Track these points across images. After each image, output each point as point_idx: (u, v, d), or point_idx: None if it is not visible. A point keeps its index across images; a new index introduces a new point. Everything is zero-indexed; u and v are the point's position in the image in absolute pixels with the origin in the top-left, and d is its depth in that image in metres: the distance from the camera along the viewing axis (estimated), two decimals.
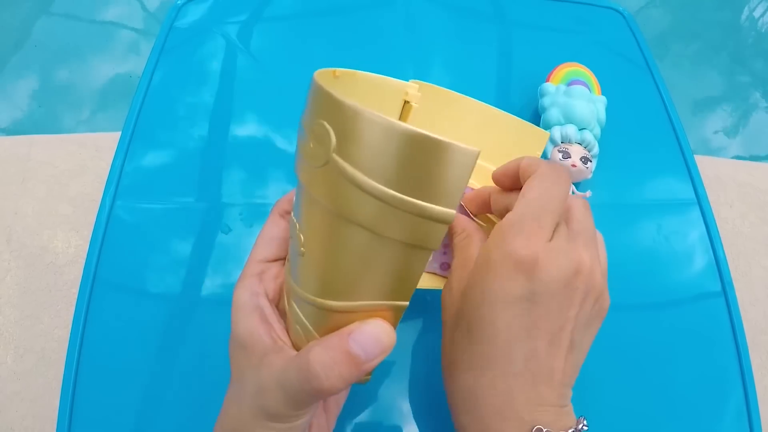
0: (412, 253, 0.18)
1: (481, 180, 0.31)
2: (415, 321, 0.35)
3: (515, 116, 0.31)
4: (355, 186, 0.17)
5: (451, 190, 0.17)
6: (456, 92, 0.31)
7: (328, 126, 0.17)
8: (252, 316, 0.23)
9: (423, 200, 0.17)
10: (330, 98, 0.17)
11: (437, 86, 0.30)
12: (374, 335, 0.19)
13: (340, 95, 0.17)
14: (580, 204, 0.25)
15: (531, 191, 0.23)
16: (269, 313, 0.23)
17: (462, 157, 0.16)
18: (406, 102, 0.27)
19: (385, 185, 0.17)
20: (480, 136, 0.31)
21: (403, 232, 0.17)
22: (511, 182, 0.26)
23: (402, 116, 0.27)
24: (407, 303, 0.19)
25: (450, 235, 0.28)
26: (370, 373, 0.22)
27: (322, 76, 0.21)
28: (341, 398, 0.27)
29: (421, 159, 0.16)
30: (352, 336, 0.19)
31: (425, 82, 0.29)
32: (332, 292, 0.19)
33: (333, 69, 0.24)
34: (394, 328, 0.20)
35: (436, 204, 0.17)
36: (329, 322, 0.20)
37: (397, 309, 0.19)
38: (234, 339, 0.23)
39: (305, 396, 0.20)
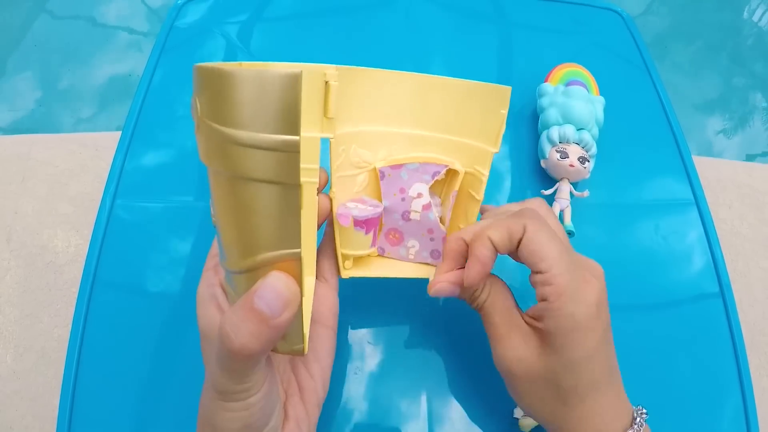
0: (281, 193, 0.19)
1: (448, 153, 0.31)
2: (409, 317, 0.36)
3: (469, 80, 0.30)
4: (221, 137, 0.18)
5: (287, 117, 0.18)
6: (389, 70, 0.30)
7: (196, 96, 0.19)
8: (209, 306, 0.24)
9: (264, 132, 0.18)
10: (193, 70, 0.19)
11: (361, 67, 0.29)
12: (273, 287, 0.19)
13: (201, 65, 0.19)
14: (550, 213, 0.29)
15: (551, 252, 0.26)
16: (222, 301, 0.24)
17: (286, 81, 0.17)
18: (326, 82, 0.27)
19: (238, 128, 0.18)
20: (431, 107, 0.31)
21: (264, 171, 0.18)
22: (505, 249, 0.27)
23: (325, 97, 0.27)
24: (299, 250, 0.20)
25: (472, 293, 0.28)
26: (303, 342, 0.22)
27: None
28: (320, 388, 0.27)
29: (254, 94, 0.17)
30: (256, 293, 0.20)
31: (346, 66, 0.28)
32: (237, 254, 0.20)
33: (240, 62, 0.25)
34: (299, 282, 0.20)
35: (278, 134, 0.18)
36: (245, 288, 0.20)
37: (294, 258, 0.20)
38: (201, 333, 0.24)
39: (229, 362, 0.20)
